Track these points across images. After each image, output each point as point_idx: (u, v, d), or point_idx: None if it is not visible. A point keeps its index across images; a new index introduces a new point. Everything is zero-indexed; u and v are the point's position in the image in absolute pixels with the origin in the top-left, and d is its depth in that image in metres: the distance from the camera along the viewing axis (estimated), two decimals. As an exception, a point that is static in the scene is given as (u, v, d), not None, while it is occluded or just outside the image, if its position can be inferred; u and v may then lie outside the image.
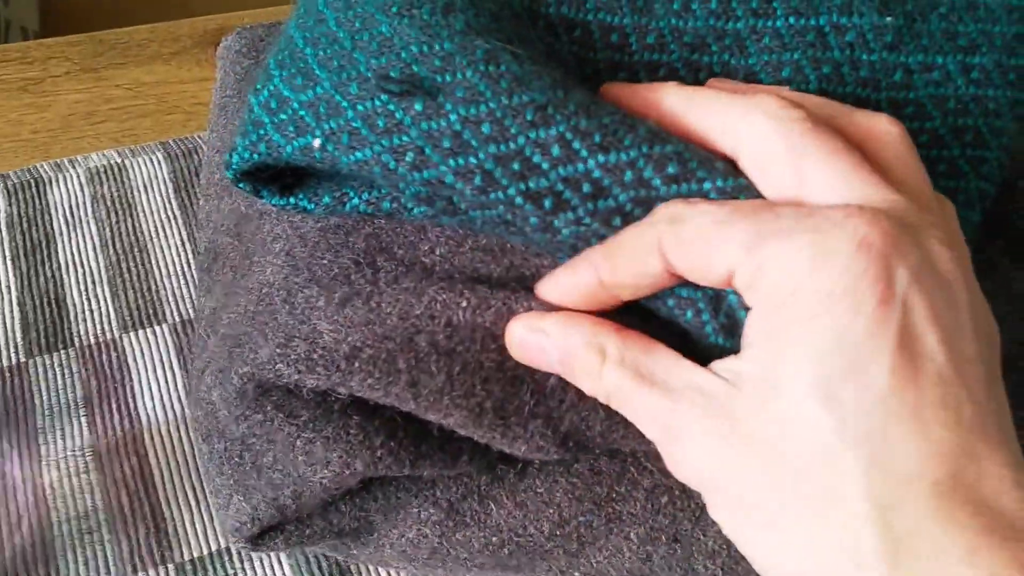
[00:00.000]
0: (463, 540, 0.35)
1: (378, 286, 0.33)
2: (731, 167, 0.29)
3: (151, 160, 0.51)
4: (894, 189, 0.27)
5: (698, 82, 0.34)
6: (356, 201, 0.33)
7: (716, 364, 0.27)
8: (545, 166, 0.28)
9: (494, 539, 0.35)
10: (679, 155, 0.29)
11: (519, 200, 0.29)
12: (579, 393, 0.33)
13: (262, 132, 0.31)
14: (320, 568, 0.39)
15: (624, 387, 0.29)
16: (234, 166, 0.32)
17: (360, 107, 0.30)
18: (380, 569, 0.39)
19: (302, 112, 0.31)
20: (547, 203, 0.29)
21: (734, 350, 0.28)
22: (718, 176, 0.29)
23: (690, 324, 0.29)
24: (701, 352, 0.29)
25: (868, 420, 0.24)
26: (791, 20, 0.34)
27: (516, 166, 0.28)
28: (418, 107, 0.29)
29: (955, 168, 0.34)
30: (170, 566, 0.38)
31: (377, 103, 0.29)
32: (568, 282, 0.30)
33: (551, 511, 0.35)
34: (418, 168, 0.29)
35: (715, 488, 0.28)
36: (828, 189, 0.27)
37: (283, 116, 0.31)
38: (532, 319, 0.31)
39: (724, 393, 0.27)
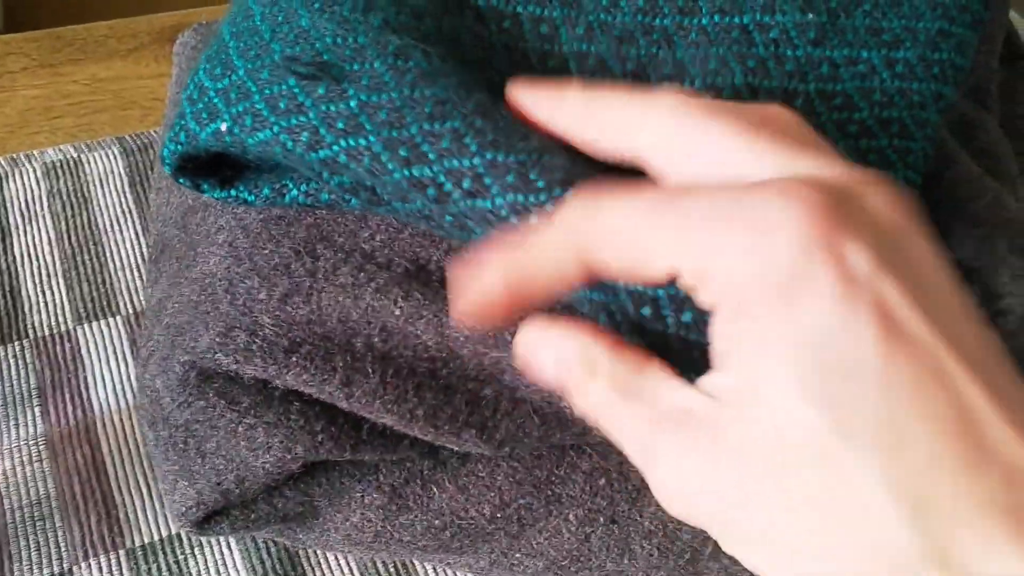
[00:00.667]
0: (406, 524, 0.36)
1: (316, 278, 0.33)
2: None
3: (107, 155, 0.52)
4: (816, 156, 0.25)
5: (626, 73, 0.34)
6: (295, 192, 0.34)
7: (701, 380, 0.25)
8: (432, 156, 0.29)
9: (436, 522, 0.36)
10: (566, 167, 0.29)
11: (404, 185, 0.29)
12: (514, 402, 0.34)
13: (182, 122, 0.32)
14: (269, 553, 0.39)
15: (608, 406, 0.26)
16: (166, 160, 0.33)
17: (267, 91, 0.31)
18: (328, 553, 0.40)
19: (216, 99, 0.32)
20: (430, 192, 0.29)
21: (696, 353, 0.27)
22: None
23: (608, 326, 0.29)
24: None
25: (868, 408, 0.22)
26: (716, 18, 0.35)
27: (403, 152, 0.29)
28: (321, 90, 0.30)
29: (884, 158, 0.35)
30: (121, 552, 0.39)
31: (283, 87, 0.30)
32: (476, 291, 0.28)
33: (492, 494, 0.36)
34: (312, 148, 0.30)
35: (714, 517, 0.25)
36: (750, 165, 0.25)
37: (200, 104, 0.32)
38: (540, 327, 0.28)
39: (705, 409, 0.24)
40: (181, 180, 0.35)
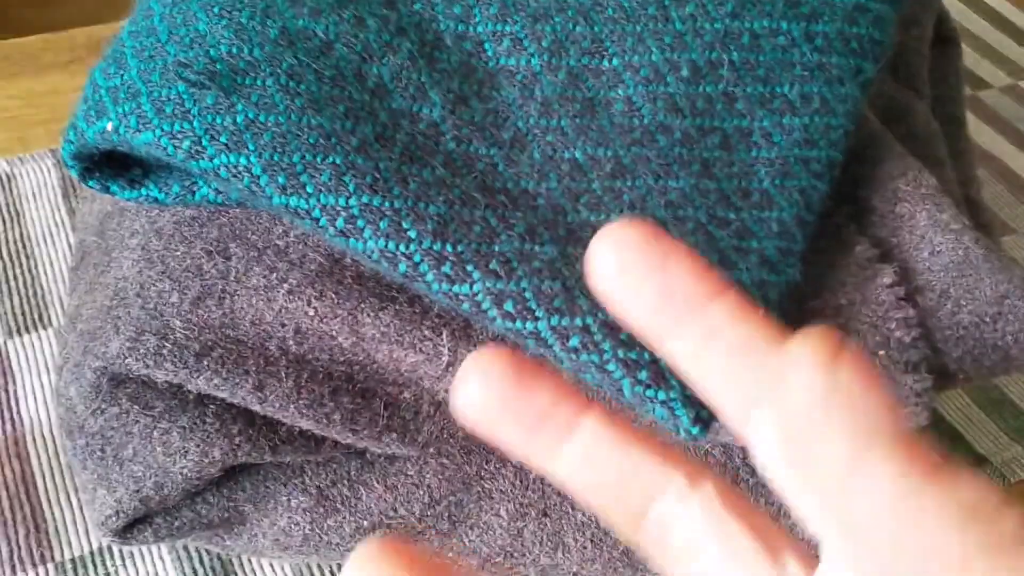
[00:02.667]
0: (334, 526, 0.35)
1: (229, 280, 0.33)
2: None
3: (41, 168, 0.51)
4: None
5: (541, 50, 0.34)
6: (205, 190, 0.33)
7: None
8: (310, 188, 0.29)
9: (365, 523, 0.35)
10: (440, 216, 0.30)
11: (283, 213, 0.30)
12: (436, 404, 0.33)
13: (73, 120, 0.32)
14: (202, 562, 0.39)
15: None
16: (66, 160, 0.33)
17: (155, 93, 0.30)
18: (263, 560, 0.39)
19: (105, 97, 0.31)
20: (306, 223, 0.29)
21: None
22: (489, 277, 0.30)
23: None
24: None
25: None
26: None
27: (282, 179, 0.29)
28: (209, 100, 0.30)
29: (808, 136, 0.35)
30: (50, 566, 0.38)
31: (172, 91, 0.30)
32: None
33: (421, 492, 0.35)
34: (193, 156, 0.30)
35: None
36: None
37: (91, 102, 0.32)
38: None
39: None
40: (90, 183, 0.34)
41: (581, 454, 0.20)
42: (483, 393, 0.20)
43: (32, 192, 0.50)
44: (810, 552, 0.19)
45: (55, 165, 0.51)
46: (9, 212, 0.49)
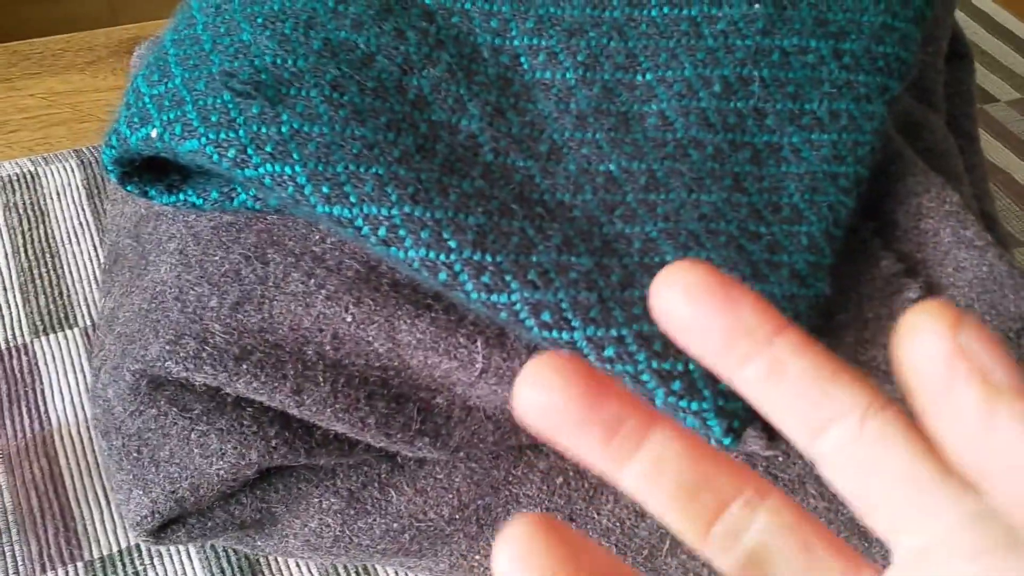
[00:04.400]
0: (365, 528, 0.36)
1: (267, 285, 0.33)
2: None
3: (65, 168, 0.52)
4: None
5: (576, 64, 0.35)
6: (244, 197, 0.34)
7: None
8: (353, 199, 0.30)
9: (395, 525, 0.36)
10: (480, 227, 0.30)
11: (325, 222, 0.30)
12: (467, 409, 0.34)
13: (115, 126, 0.32)
14: (229, 562, 0.39)
15: None
16: (107, 165, 0.33)
17: (201, 102, 0.31)
18: (289, 561, 0.40)
19: (149, 105, 0.32)
20: (349, 231, 0.30)
21: None
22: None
23: None
24: None
25: None
26: (664, 10, 0.36)
27: (326, 188, 0.30)
28: (255, 110, 0.30)
29: (836, 152, 0.35)
30: (79, 564, 0.38)
31: (218, 100, 0.31)
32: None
33: (451, 496, 0.36)
34: (238, 165, 0.30)
35: None
36: None
37: (134, 109, 0.32)
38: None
39: None
40: (128, 187, 0.35)
41: (652, 463, 0.21)
42: (550, 398, 0.20)
43: (56, 192, 0.51)
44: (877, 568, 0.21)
45: (79, 165, 0.52)
46: (34, 212, 0.50)
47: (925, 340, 0.19)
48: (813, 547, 0.21)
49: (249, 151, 0.30)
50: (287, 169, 0.30)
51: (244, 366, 0.32)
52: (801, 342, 0.20)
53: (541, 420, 0.20)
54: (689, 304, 0.20)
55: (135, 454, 0.34)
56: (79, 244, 0.49)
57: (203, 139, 0.31)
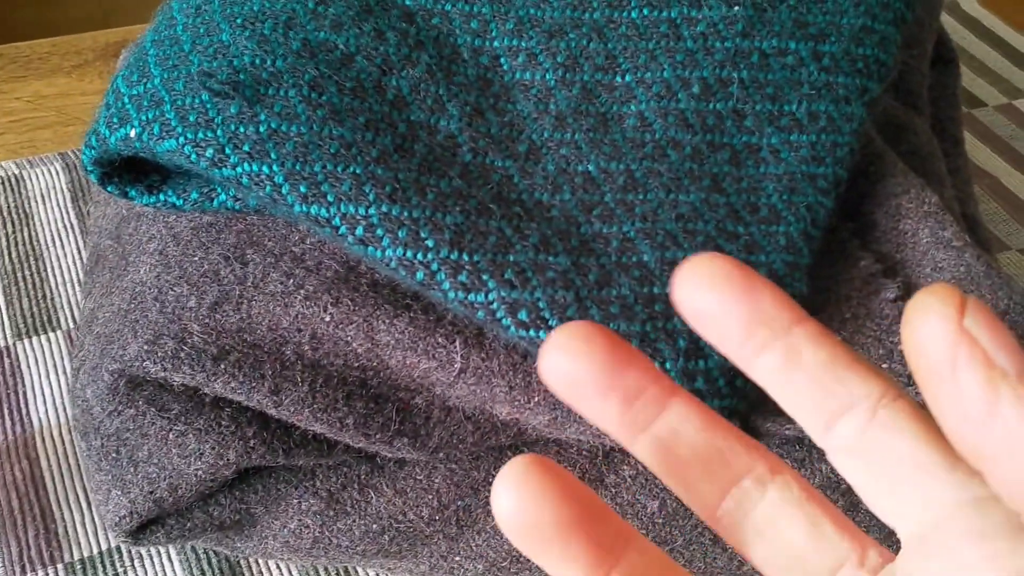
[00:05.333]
0: (344, 529, 0.36)
1: (246, 285, 0.33)
2: None
3: (49, 171, 0.52)
4: None
5: (556, 65, 0.35)
6: (223, 197, 0.34)
7: None
8: (331, 198, 0.30)
9: (374, 526, 0.36)
10: (457, 226, 0.30)
11: (304, 221, 0.30)
12: (446, 410, 0.34)
13: (95, 126, 0.32)
14: (210, 563, 0.39)
15: None
16: (87, 166, 0.33)
17: (179, 101, 0.31)
18: (270, 562, 0.40)
19: (128, 105, 0.32)
20: (326, 231, 0.30)
21: None
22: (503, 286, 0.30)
23: None
24: None
25: None
26: (645, 12, 0.36)
27: (304, 188, 0.30)
28: (233, 109, 0.30)
29: (815, 153, 0.35)
30: (59, 566, 0.38)
31: (196, 100, 0.31)
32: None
33: (430, 497, 0.36)
34: (216, 165, 0.30)
35: None
36: None
37: (113, 109, 0.32)
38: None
39: None
40: (109, 187, 0.35)
41: (667, 434, 0.21)
42: (576, 364, 0.21)
43: (41, 195, 0.51)
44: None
45: (64, 168, 0.52)
46: (18, 214, 0.50)
47: (930, 322, 0.19)
48: (820, 523, 0.21)
49: (227, 151, 0.30)
50: (265, 168, 0.30)
51: (222, 366, 0.32)
52: (818, 332, 0.20)
53: (565, 386, 0.21)
54: (711, 293, 0.20)
55: (114, 454, 0.34)
56: (63, 247, 0.49)
57: (181, 139, 0.31)
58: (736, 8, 0.36)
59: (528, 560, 0.37)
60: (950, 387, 0.19)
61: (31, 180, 0.51)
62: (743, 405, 0.31)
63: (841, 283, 0.34)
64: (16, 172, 0.51)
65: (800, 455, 0.34)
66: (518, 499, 0.20)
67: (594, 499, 0.21)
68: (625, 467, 0.36)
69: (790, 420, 0.33)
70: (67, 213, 0.50)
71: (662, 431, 0.21)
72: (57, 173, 0.52)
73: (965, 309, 0.19)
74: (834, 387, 0.20)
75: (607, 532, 0.21)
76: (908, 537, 0.20)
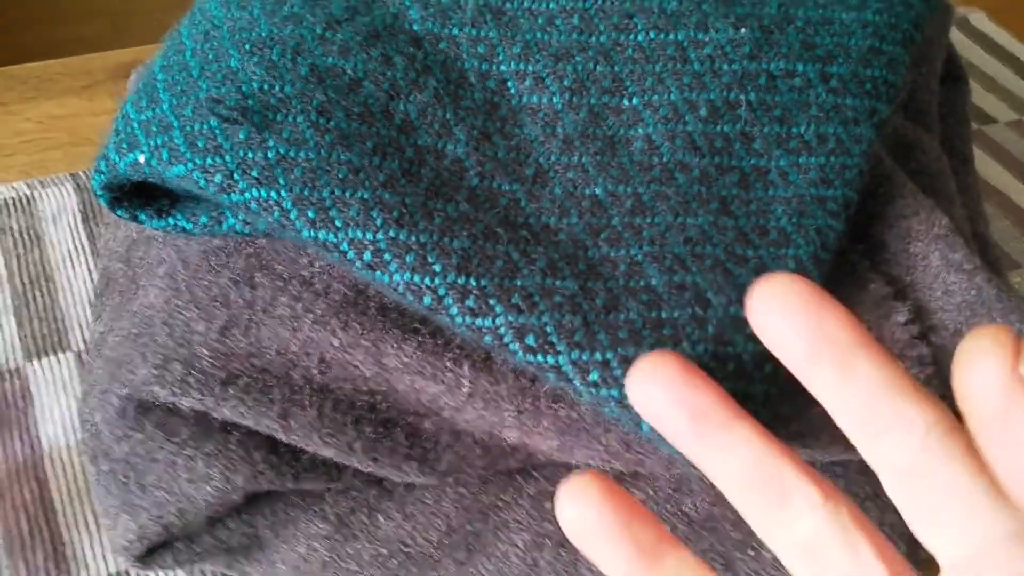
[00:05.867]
0: (353, 553, 0.36)
1: (255, 309, 0.33)
2: None
3: (61, 191, 0.52)
4: None
5: (563, 89, 0.35)
6: (232, 221, 0.34)
7: None
8: (339, 223, 0.30)
9: (383, 551, 0.36)
10: (464, 251, 0.30)
11: (312, 246, 0.30)
12: (455, 434, 0.34)
13: (104, 152, 0.33)
14: (218, 587, 0.39)
15: None
16: (96, 190, 0.33)
17: (188, 127, 0.31)
18: (279, 586, 0.40)
19: (137, 130, 0.32)
20: (335, 256, 0.30)
21: None
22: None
23: None
24: None
25: None
26: (651, 35, 0.36)
27: (312, 213, 0.30)
28: (241, 135, 0.30)
29: (824, 176, 0.35)
30: (68, 589, 0.38)
31: (205, 126, 0.31)
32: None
33: (439, 521, 0.36)
34: (224, 190, 0.30)
35: None
36: None
37: (122, 135, 0.32)
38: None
39: None
40: (118, 211, 0.35)
41: (730, 450, 0.23)
42: (656, 389, 0.23)
43: (52, 215, 0.51)
44: None
45: (75, 189, 0.52)
46: (29, 235, 0.50)
47: (983, 366, 0.19)
48: (861, 551, 0.22)
49: (235, 176, 0.30)
50: (273, 194, 0.30)
51: (231, 390, 0.32)
52: (882, 356, 0.21)
53: (646, 407, 0.25)
54: (783, 311, 0.22)
55: (122, 479, 0.34)
56: (74, 268, 0.49)
57: (190, 164, 0.31)
58: (743, 30, 0.36)
59: (537, 584, 0.37)
60: (1002, 432, 0.19)
61: (42, 201, 0.51)
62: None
63: (852, 305, 0.34)
64: (27, 193, 0.52)
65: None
66: (579, 509, 0.24)
67: (639, 509, 0.24)
68: (635, 491, 0.36)
69: (825, 447, 0.33)
70: (78, 234, 0.50)
71: (727, 451, 0.23)
72: (68, 194, 0.52)
73: (1020, 353, 0.19)
74: (890, 411, 0.21)
75: (648, 537, 0.24)
76: (948, 566, 0.21)
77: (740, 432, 0.23)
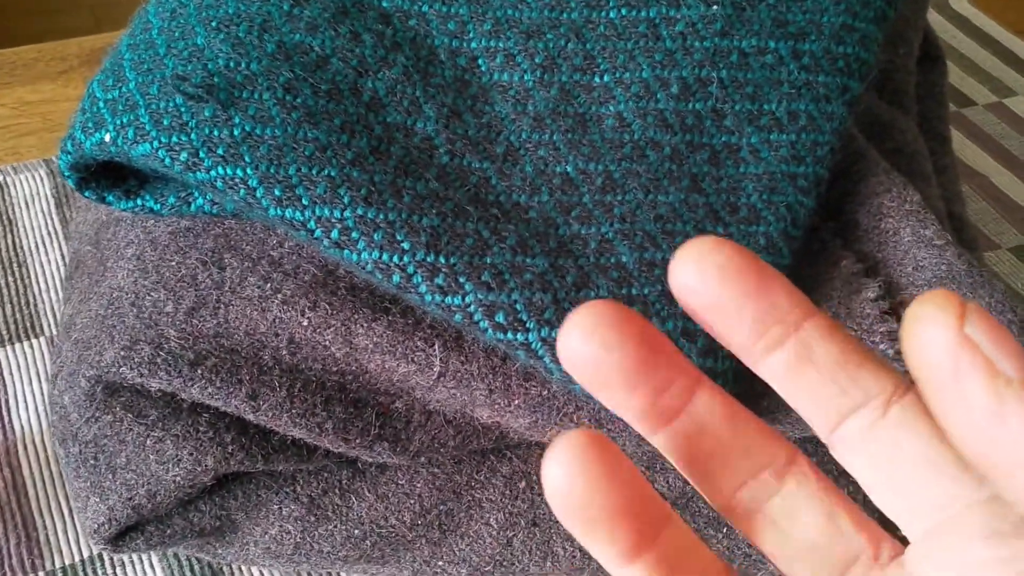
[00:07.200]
0: (325, 534, 0.36)
1: (223, 290, 0.33)
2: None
3: (34, 177, 0.52)
4: None
5: (534, 66, 0.35)
6: (201, 201, 0.34)
7: None
8: (305, 200, 0.30)
9: (356, 532, 0.36)
10: (434, 229, 0.30)
11: (279, 225, 0.30)
12: (427, 414, 0.34)
13: (71, 131, 0.32)
14: (192, 570, 0.39)
15: None
16: (64, 171, 0.33)
17: (153, 105, 0.31)
18: (252, 568, 0.39)
19: (103, 109, 0.32)
20: (302, 234, 0.30)
21: None
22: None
23: None
24: None
25: None
26: (623, 11, 0.35)
27: (278, 191, 0.30)
28: (207, 112, 0.30)
29: (794, 152, 0.35)
30: (41, 573, 0.38)
31: (170, 103, 0.30)
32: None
33: (412, 501, 0.36)
34: (190, 168, 0.30)
35: None
36: None
37: (88, 114, 0.32)
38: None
39: None
40: (86, 193, 0.34)
41: (693, 427, 0.21)
42: (603, 353, 0.19)
43: (25, 201, 0.50)
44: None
45: (48, 174, 0.52)
46: (2, 221, 0.50)
47: (930, 330, 0.18)
48: (836, 517, 0.21)
49: (201, 154, 0.30)
50: (239, 172, 0.30)
51: (199, 371, 0.32)
52: (829, 327, 0.20)
53: (588, 373, 0.20)
54: (721, 285, 0.19)
55: (92, 461, 0.34)
56: (47, 254, 0.48)
57: (155, 143, 0.31)
58: (715, 7, 0.36)
59: (510, 565, 0.37)
60: (954, 396, 0.18)
61: (15, 186, 0.51)
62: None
63: (822, 283, 0.34)
64: (0, 179, 0.51)
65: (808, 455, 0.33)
66: (570, 479, 0.19)
67: (641, 482, 0.20)
68: (608, 470, 0.36)
69: (795, 423, 0.33)
70: (51, 219, 0.50)
71: (687, 425, 0.21)
72: (41, 179, 0.51)
73: (965, 315, 0.18)
74: (848, 385, 0.20)
75: (650, 517, 0.20)
76: (917, 535, 0.20)
77: (703, 401, 0.21)
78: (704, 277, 0.19)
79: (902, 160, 0.41)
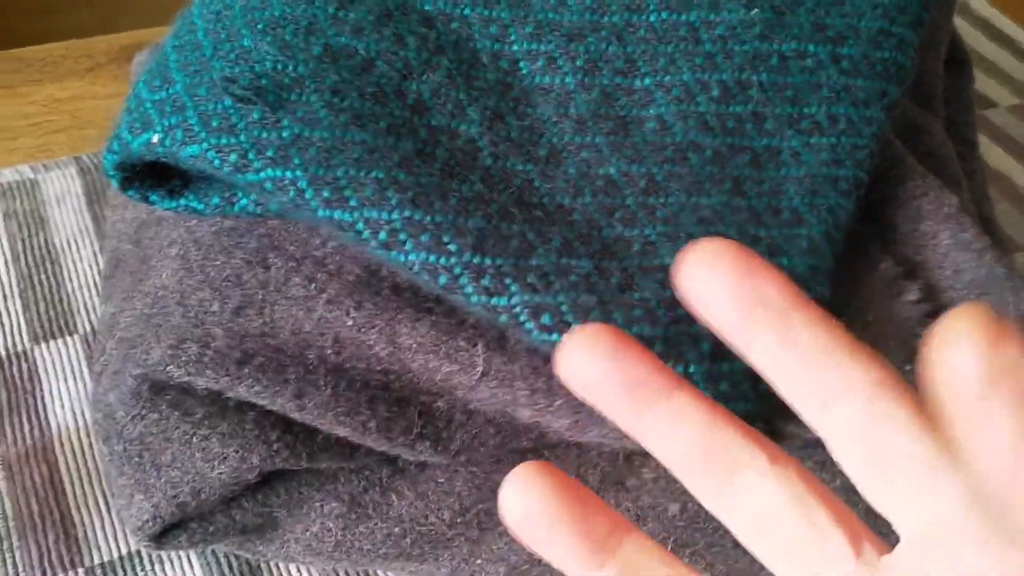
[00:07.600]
0: (366, 532, 0.36)
1: (268, 290, 0.34)
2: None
3: (65, 175, 0.52)
4: None
5: (575, 69, 0.35)
6: (245, 201, 0.34)
7: None
8: (354, 202, 0.30)
9: (396, 530, 0.36)
10: (480, 230, 0.30)
11: (326, 226, 0.30)
12: (468, 413, 0.34)
13: (117, 132, 0.33)
14: (231, 567, 0.39)
15: None
16: (108, 171, 0.33)
17: (202, 107, 0.31)
18: (290, 565, 0.40)
19: (150, 110, 0.32)
20: (350, 235, 0.30)
21: None
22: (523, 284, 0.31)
23: None
24: None
25: None
26: (663, 15, 0.36)
27: (327, 193, 0.30)
28: (255, 115, 0.30)
29: (835, 156, 0.35)
30: (80, 570, 0.38)
31: (219, 106, 0.31)
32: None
33: (452, 500, 0.36)
34: (239, 170, 0.30)
35: None
36: None
37: (135, 115, 0.32)
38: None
39: None
40: (129, 192, 0.35)
41: (671, 422, 0.22)
42: (588, 361, 0.22)
43: (56, 199, 0.51)
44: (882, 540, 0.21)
45: (79, 172, 0.52)
46: (34, 219, 0.50)
47: (961, 354, 0.18)
48: (816, 516, 0.21)
49: (250, 156, 0.31)
50: (288, 173, 0.30)
51: (246, 370, 0.32)
52: (818, 316, 0.20)
53: (577, 381, 0.22)
54: (712, 276, 0.20)
55: (136, 459, 0.34)
56: (79, 251, 0.49)
57: (204, 144, 0.31)
58: (754, 11, 0.36)
59: (548, 564, 0.37)
60: (981, 428, 0.18)
61: (46, 184, 0.51)
62: (767, 408, 0.31)
63: (863, 286, 0.34)
64: (31, 176, 0.52)
65: (821, 458, 0.34)
66: (524, 501, 0.23)
67: (589, 497, 0.23)
68: (645, 470, 0.36)
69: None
70: (83, 217, 0.50)
71: (665, 421, 0.22)
72: (72, 177, 0.52)
73: (1000, 342, 0.18)
74: (832, 372, 0.20)
75: (599, 528, 0.23)
76: (908, 533, 0.20)
77: (679, 400, 0.22)
78: (698, 271, 0.21)
79: (933, 163, 0.42)
